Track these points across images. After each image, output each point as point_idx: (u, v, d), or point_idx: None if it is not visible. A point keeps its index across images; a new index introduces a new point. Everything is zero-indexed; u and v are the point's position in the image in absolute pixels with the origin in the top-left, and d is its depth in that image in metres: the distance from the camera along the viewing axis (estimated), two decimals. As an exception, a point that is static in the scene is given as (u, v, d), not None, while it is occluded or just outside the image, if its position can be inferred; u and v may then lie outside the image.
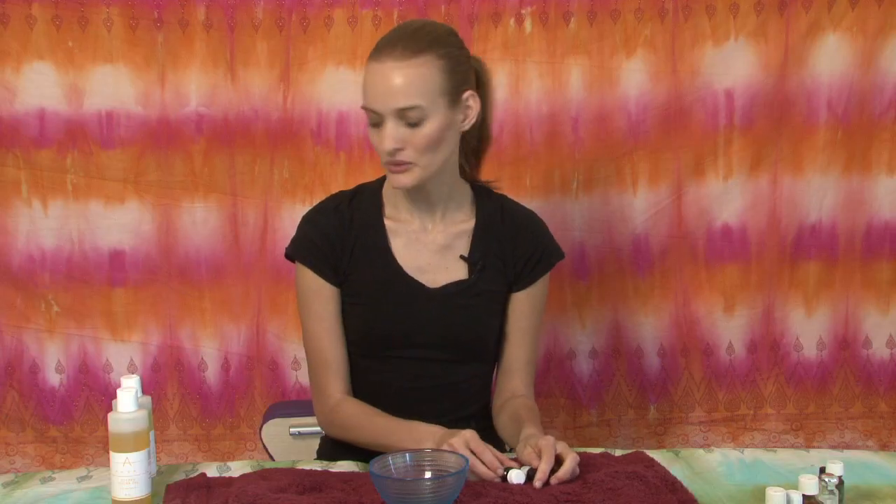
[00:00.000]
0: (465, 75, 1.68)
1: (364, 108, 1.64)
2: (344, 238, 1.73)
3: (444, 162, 1.68)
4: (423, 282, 1.72)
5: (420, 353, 1.73)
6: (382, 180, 1.79)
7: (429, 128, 1.61)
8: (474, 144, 1.79)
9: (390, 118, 1.60)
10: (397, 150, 1.61)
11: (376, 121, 1.63)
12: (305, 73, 2.31)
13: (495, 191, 1.82)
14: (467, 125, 1.69)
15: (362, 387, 1.74)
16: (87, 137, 2.28)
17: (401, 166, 1.63)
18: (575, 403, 2.45)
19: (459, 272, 1.74)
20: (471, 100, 1.68)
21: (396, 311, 1.72)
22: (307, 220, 1.77)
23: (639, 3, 2.33)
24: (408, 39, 1.62)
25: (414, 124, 1.61)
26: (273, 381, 2.37)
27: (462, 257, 1.74)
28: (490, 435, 1.81)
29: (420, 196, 1.72)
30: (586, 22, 2.34)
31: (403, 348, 1.73)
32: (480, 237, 1.75)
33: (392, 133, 1.60)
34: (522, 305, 1.78)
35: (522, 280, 1.77)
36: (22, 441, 2.36)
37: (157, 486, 1.49)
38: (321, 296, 1.74)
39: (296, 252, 1.75)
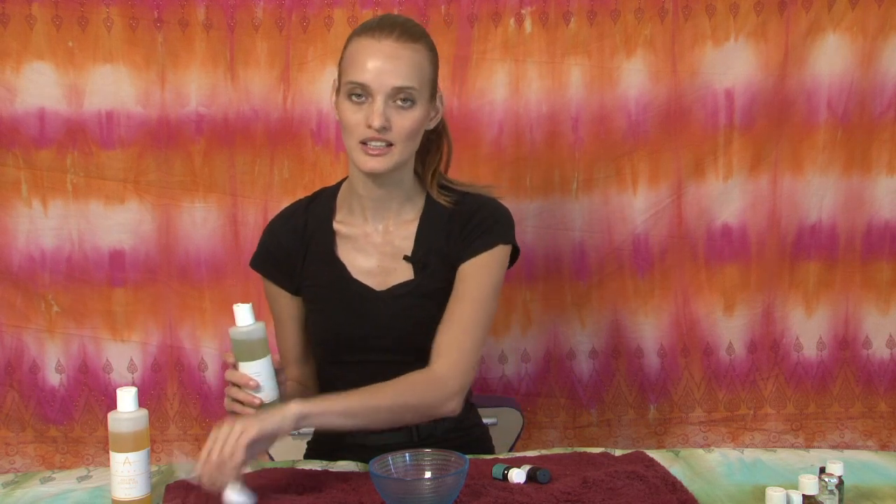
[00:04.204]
0: (437, 76, 1.72)
1: (352, 82, 1.62)
2: (297, 245, 1.76)
3: (411, 155, 1.69)
4: (372, 285, 1.72)
5: (376, 355, 1.72)
6: (340, 185, 1.80)
7: (416, 112, 1.64)
8: (435, 147, 1.78)
9: (381, 96, 1.61)
10: (385, 128, 1.61)
11: (360, 97, 1.62)
12: (305, 73, 2.31)
13: (458, 188, 1.79)
14: (433, 124, 1.72)
15: (330, 391, 1.71)
16: (87, 137, 2.28)
17: (378, 149, 1.62)
18: (575, 403, 2.45)
19: (407, 273, 1.73)
20: (439, 100, 1.72)
21: (347, 315, 1.72)
22: (266, 231, 1.81)
23: (639, 3, 2.33)
24: (403, 26, 1.65)
25: (404, 107, 1.62)
26: (273, 381, 2.37)
27: (405, 258, 1.73)
28: (470, 433, 1.81)
29: (377, 193, 1.71)
30: (586, 22, 2.34)
31: (361, 352, 1.72)
32: (423, 235, 1.74)
33: (382, 111, 1.61)
34: (459, 275, 1.70)
35: (462, 254, 1.71)
36: (22, 441, 2.36)
37: (156, 487, 1.49)
38: (278, 303, 1.79)
39: (254, 262, 1.80)
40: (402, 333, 1.71)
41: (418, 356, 1.71)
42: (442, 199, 1.75)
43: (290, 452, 1.98)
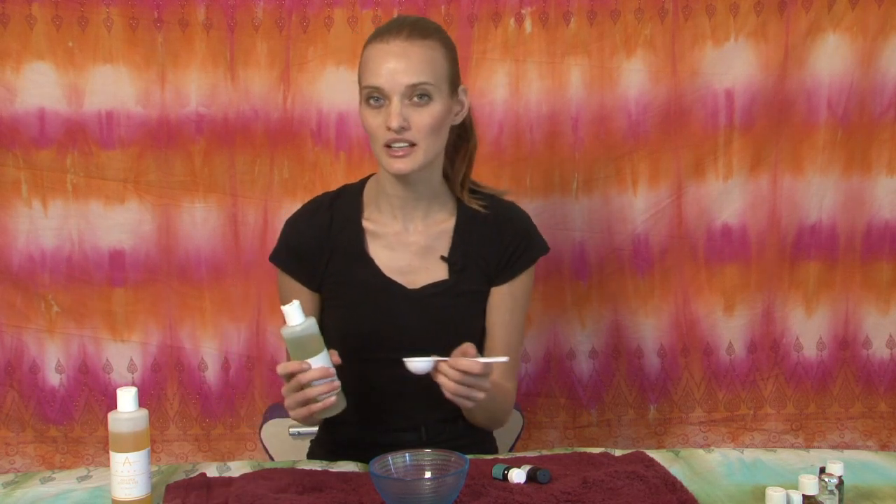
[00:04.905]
0: (459, 70, 1.71)
1: (367, 87, 1.63)
2: (322, 242, 1.74)
3: (439, 152, 1.69)
4: (403, 283, 1.72)
5: (400, 354, 1.71)
6: (364, 182, 1.80)
7: (435, 108, 1.63)
8: (465, 146, 1.78)
9: (397, 97, 1.61)
10: (403, 128, 1.61)
11: (378, 101, 1.63)
12: (305, 73, 2.31)
13: (483, 190, 1.81)
14: (459, 119, 1.72)
15: (345, 389, 1.73)
16: (87, 137, 2.28)
17: (402, 150, 1.62)
18: (575, 403, 2.45)
19: (440, 273, 1.74)
20: (463, 95, 1.71)
21: (375, 312, 1.72)
22: (287, 225, 1.79)
23: (639, 3, 2.33)
24: (413, 25, 1.65)
25: (421, 104, 1.61)
26: (273, 381, 2.37)
27: (442, 258, 1.74)
28: (475, 435, 1.81)
29: (405, 193, 1.71)
30: (586, 22, 2.34)
31: (383, 350, 1.72)
32: (461, 237, 1.75)
33: (399, 111, 1.60)
34: (503, 299, 1.76)
35: (504, 274, 1.76)
36: (22, 441, 2.36)
37: (156, 487, 1.49)
38: (295, 298, 1.75)
39: (275, 257, 1.78)
40: (430, 333, 1.71)
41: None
42: (474, 204, 1.76)
43: (289, 453, 1.98)
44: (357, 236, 1.74)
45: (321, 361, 1.51)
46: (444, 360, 1.52)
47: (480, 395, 1.55)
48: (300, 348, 1.50)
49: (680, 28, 2.34)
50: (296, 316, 1.50)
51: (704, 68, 2.36)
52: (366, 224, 1.75)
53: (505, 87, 2.34)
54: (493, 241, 1.76)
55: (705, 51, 2.35)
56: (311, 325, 1.50)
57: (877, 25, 2.36)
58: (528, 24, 2.33)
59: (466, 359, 1.52)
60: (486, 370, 1.53)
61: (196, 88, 2.29)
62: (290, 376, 1.51)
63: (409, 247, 1.74)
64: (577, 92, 2.35)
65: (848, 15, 2.35)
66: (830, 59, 2.36)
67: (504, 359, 1.59)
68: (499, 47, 2.33)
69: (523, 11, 2.33)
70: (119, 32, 2.26)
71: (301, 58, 2.30)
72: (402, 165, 1.63)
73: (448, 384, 1.53)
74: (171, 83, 2.29)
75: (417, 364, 1.53)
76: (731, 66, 2.35)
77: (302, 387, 1.51)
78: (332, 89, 2.30)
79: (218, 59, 2.29)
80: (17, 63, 2.25)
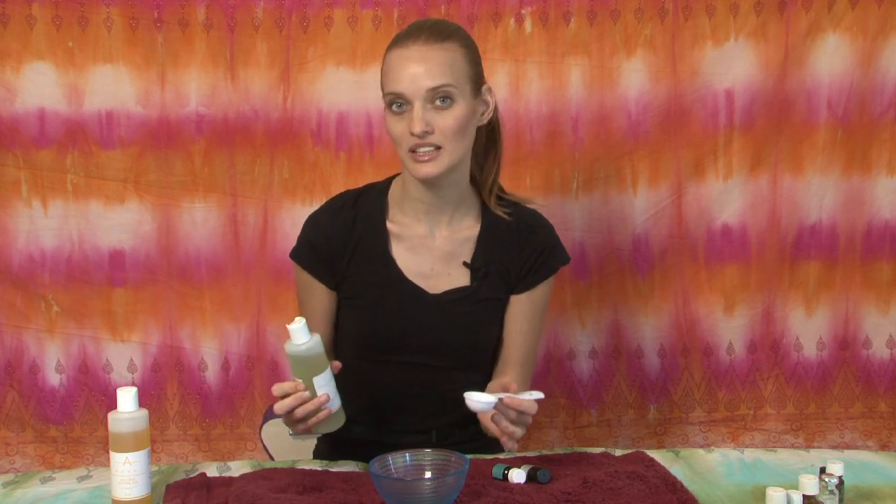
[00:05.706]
0: (482, 69, 1.70)
1: (389, 93, 1.63)
2: (345, 241, 1.73)
3: (464, 154, 1.67)
4: (425, 287, 1.72)
5: (416, 358, 1.72)
6: (389, 182, 1.79)
7: (458, 110, 1.62)
8: (494, 148, 1.77)
9: (418, 101, 1.60)
10: (427, 132, 1.60)
11: (401, 107, 1.62)
12: (305, 73, 2.31)
13: (509, 197, 1.80)
14: (485, 119, 1.70)
15: (356, 388, 1.72)
16: (87, 137, 2.28)
17: (427, 154, 1.61)
18: (575, 403, 2.45)
19: (462, 279, 1.73)
20: (488, 94, 1.70)
21: (395, 314, 1.72)
22: (309, 222, 1.78)
23: (639, 3, 2.33)
24: (431, 28, 1.64)
25: (443, 106, 1.61)
26: (273, 381, 2.36)
27: (465, 264, 1.73)
28: (483, 439, 1.81)
29: (431, 198, 1.70)
30: (586, 22, 2.34)
31: (400, 352, 1.72)
32: (484, 244, 1.74)
33: (421, 115, 1.60)
34: (522, 307, 1.76)
35: (524, 283, 1.76)
36: (22, 441, 2.36)
37: (156, 487, 1.49)
38: (313, 295, 1.76)
39: (296, 254, 1.77)
40: (448, 338, 1.71)
41: (455, 363, 1.71)
42: (499, 211, 1.76)
43: (289, 453, 1.98)
44: (380, 237, 1.73)
45: (325, 379, 1.51)
46: (504, 398, 1.49)
47: (523, 431, 1.54)
48: (304, 366, 1.50)
49: (680, 28, 2.35)
50: (301, 335, 1.48)
51: (704, 68, 2.36)
52: (390, 225, 1.74)
53: (505, 87, 2.34)
54: (515, 250, 1.75)
55: (705, 51, 2.35)
56: (317, 343, 1.50)
57: (877, 25, 2.36)
58: (528, 24, 2.33)
59: (526, 399, 1.50)
60: (535, 410, 1.52)
61: (196, 88, 2.29)
62: (290, 412, 1.52)
63: (432, 251, 1.73)
64: (577, 92, 2.35)
65: (848, 15, 2.35)
66: (830, 59, 2.36)
67: (541, 395, 1.54)
68: (499, 47, 2.33)
69: (523, 11, 2.33)
70: (119, 32, 2.26)
71: (301, 58, 2.30)
72: (428, 170, 1.62)
73: (508, 427, 1.51)
74: (171, 83, 2.29)
75: (479, 404, 1.48)
76: (731, 66, 2.35)
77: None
78: (332, 89, 2.30)
79: (218, 59, 2.29)
80: (17, 63, 2.25)
